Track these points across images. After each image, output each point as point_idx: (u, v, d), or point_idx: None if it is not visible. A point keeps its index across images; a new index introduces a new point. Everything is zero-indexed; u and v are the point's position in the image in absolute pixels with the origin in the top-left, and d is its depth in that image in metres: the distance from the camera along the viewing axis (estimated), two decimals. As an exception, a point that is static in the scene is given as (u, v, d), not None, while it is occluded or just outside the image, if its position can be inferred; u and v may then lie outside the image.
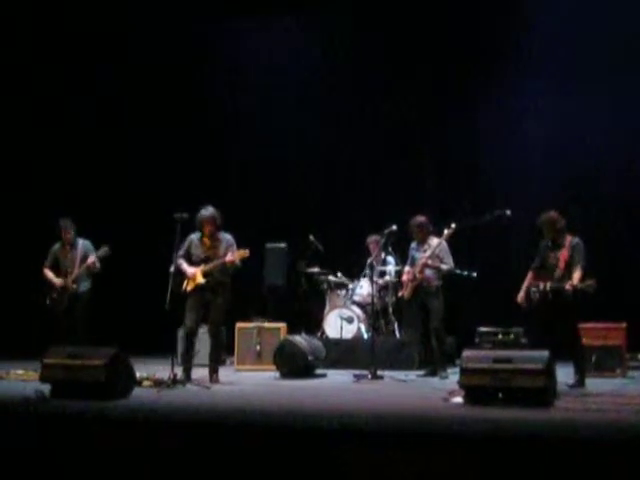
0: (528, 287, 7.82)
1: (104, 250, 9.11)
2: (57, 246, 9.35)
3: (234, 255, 8.21)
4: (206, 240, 8.38)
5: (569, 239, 7.79)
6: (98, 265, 9.17)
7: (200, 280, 8.23)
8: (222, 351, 9.08)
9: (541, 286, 7.70)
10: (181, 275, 8.29)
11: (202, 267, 8.26)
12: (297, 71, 12.15)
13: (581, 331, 7.91)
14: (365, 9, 11.72)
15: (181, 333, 10.54)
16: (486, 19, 11.34)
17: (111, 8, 12.02)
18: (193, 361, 8.39)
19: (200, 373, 8.45)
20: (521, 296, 7.85)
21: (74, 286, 9.10)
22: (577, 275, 7.55)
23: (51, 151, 12.09)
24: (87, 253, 9.20)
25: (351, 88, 11.99)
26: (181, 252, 8.33)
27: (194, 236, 8.42)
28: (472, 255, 9.82)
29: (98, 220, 11.16)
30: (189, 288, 8.29)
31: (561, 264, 7.70)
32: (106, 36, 12.11)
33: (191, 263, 8.34)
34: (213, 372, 8.39)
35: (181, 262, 8.30)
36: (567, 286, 7.48)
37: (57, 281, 9.18)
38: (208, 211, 8.30)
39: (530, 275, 7.94)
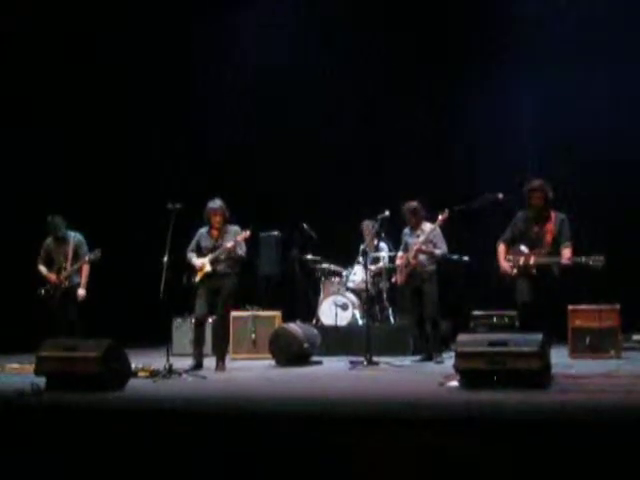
0: (507, 259, 7.42)
1: (96, 253, 8.98)
2: (49, 240, 9.28)
3: (236, 240, 8.41)
4: (214, 232, 8.65)
5: (554, 214, 7.50)
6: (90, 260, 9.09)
7: (207, 268, 8.50)
8: (227, 339, 9.15)
9: (521, 260, 7.35)
10: (191, 269, 8.60)
11: (209, 256, 8.50)
12: (290, 62, 12.07)
13: (575, 313, 7.81)
14: (364, 7, 11.69)
15: (176, 324, 10.65)
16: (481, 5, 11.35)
17: (110, 7, 11.99)
18: (203, 348, 8.59)
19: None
20: (504, 266, 7.43)
21: (67, 282, 9.05)
22: (568, 252, 7.28)
23: (48, 143, 12.01)
24: (79, 247, 9.14)
25: (346, 77, 11.94)
26: (191, 246, 8.67)
27: (203, 229, 8.72)
28: (465, 239, 9.80)
29: (93, 211, 11.17)
30: (198, 278, 8.55)
31: (548, 238, 7.38)
32: (104, 32, 12.07)
33: (201, 255, 8.59)
34: (219, 360, 8.51)
35: (191, 256, 8.62)
36: (564, 260, 7.18)
37: (51, 276, 9.13)
38: (216, 203, 8.57)
39: (503, 248, 7.53)
